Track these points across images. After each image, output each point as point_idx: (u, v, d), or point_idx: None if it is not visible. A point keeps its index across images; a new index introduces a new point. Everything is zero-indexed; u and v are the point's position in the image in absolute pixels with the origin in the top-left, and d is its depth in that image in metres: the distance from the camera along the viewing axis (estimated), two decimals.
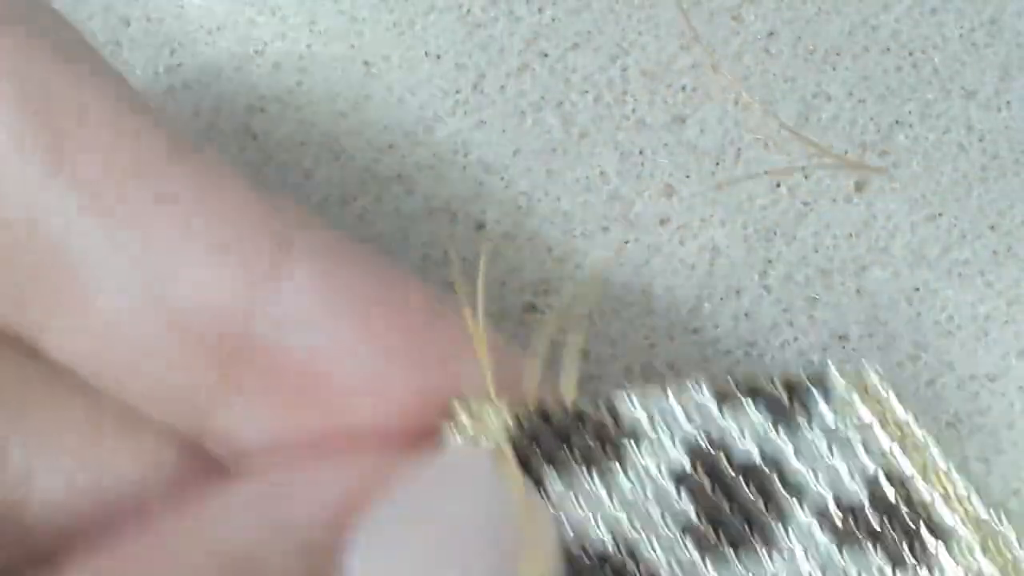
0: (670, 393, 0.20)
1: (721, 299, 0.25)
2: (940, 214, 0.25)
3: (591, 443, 0.21)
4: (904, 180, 0.25)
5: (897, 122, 0.25)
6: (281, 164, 0.25)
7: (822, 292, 0.25)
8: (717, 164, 0.25)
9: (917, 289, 0.26)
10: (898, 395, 0.20)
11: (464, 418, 0.21)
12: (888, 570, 0.20)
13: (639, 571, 0.21)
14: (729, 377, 0.21)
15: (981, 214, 0.25)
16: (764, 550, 0.21)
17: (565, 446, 0.21)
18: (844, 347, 0.26)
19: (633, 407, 0.21)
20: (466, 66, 0.25)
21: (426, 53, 0.25)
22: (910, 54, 0.25)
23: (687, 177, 0.25)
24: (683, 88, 0.25)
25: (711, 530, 0.21)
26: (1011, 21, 0.25)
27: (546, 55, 0.25)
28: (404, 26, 0.25)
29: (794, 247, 0.25)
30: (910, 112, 0.25)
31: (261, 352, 0.20)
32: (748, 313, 0.25)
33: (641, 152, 0.25)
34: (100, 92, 0.20)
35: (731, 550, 0.21)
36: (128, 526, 0.20)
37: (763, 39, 0.25)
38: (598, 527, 0.21)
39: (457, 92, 0.25)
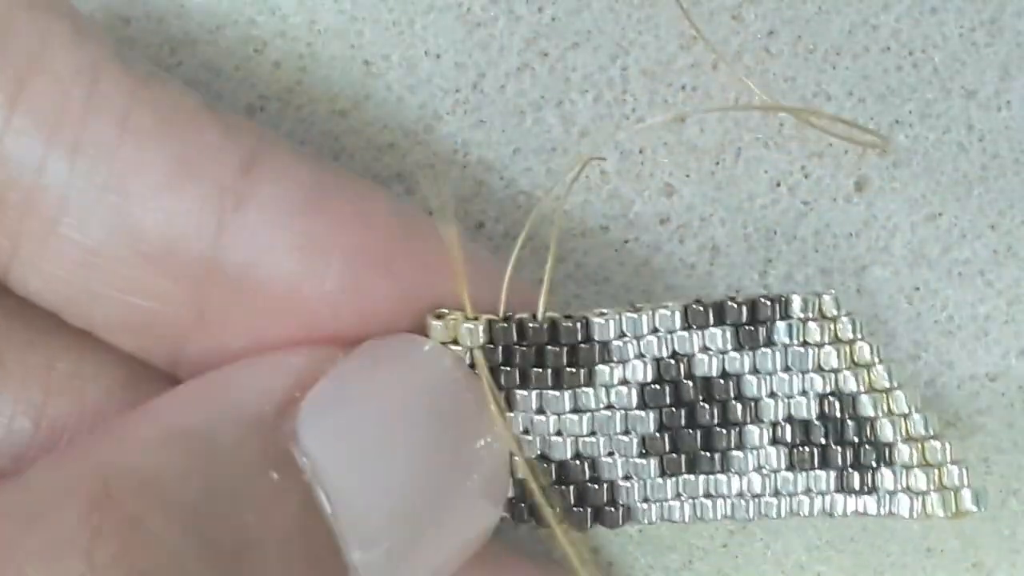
0: (640, 314, 0.21)
1: None
2: (940, 214, 0.25)
3: (563, 359, 0.21)
4: (904, 180, 0.25)
5: (897, 122, 0.25)
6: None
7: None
8: (717, 163, 0.25)
9: (917, 288, 0.26)
10: (849, 313, 0.21)
11: (438, 330, 0.21)
12: (832, 485, 0.21)
13: (599, 481, 0.22)
14: (696, 298, 0.21)
15: (981, 214, 0.25)
16: (718, 464, 0.22)
17: (536, 363, 0.21)
18: None
19: (604, 322, 0.21)
20: (466, 65, 0.25)
21: (426, 52, 0.25)
22: (910, 54, 0.25)
23: (687, 176, 0.25)
24: (683, 87, 0.25)
25: (669, 442, 0.22)
26: (1011, 21, 0.25)
27: (546, 54, 0.25)
28: (404, 25, 0.25)
29: (794, 246, 0.25)
30: (910, 112, 0.25)
31: (231, 276, 0.20)
32: None
33: (641, 151, 0.25)
34: (57, 26, 0.20)
35: (687, 464, 0.22)
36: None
37: (763, 38, 0.25)
38: (560, 435, 0.21)
39: (457, 91, 0.25)
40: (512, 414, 0.21)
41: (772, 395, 0.21)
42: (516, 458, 0.21)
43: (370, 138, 0.25)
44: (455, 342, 0.21)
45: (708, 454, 0.22)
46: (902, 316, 0.25)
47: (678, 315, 0.21)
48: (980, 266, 0.26)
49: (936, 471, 0.21)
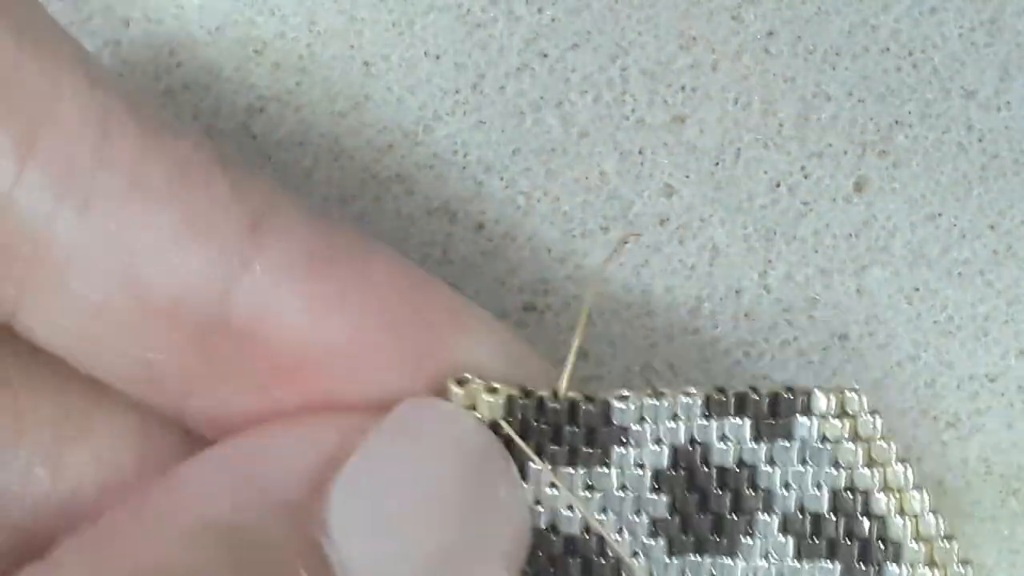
0: (662, 395, 0.21)
1: (721, 299, 0.25)
2: (940, 214, 0.25)
3: (580, 438, 0.21)
4: (904, 180, 0.25)
5: (897, 122, 0.25)
6: (280, 164, 0.25)
7: (822, 292, 0.25)
8: (717, 164, 0.25)
9: (917, 289, 0.26)
10: (872, 411, 0.21)
11: (458, 397, 0.21)
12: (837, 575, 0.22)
13: (605, 558, 0.22)
14: (718, 387, 0.21)
15: (981, 214, 0.25)
16: (727, 549, 0.22)
17: (554, 439, 0.21)
18: (844, 347, 0.26)
19: (623, 405, 0.21)
20: (465, 66, 0.25)
21: (425, 53, 0.25)
22: (910, 54, 0.25)
23: (687, 177, 0.25)
24: (683, 88, 0.25)
25: (680, 526, 0.22)
26: (1011, 21, 0.25)
27: (546, 55, 0.25)
28: (403, 26, 0.25)
29: (794, 247, 0.25)
30: (910, 112, 0.25)
31: (238, 333, 0.20)
32: (748, 313, 0.26)
33: (641, 152, 0.25)
34: (71, 75, 0.20)
35: (695, 546, 0.22)
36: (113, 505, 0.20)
37: (763, 39, 0.25)
38: (571, 510, 0.21)
39: (456, 92, 0.25)
40: (526, 485, 0.21)
41: (787, 486, 0.21)
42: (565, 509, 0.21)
43: (370, 139, 0.25)
44: (472, 410, 0.21)
45: (717, 538, 0.22)
46: (902, 316, 0.25)
47: (699, 403, 0.21)
48: (980, 266, 0.26)
49: (943, 570, 0.22)
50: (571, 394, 0.21)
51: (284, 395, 0.21)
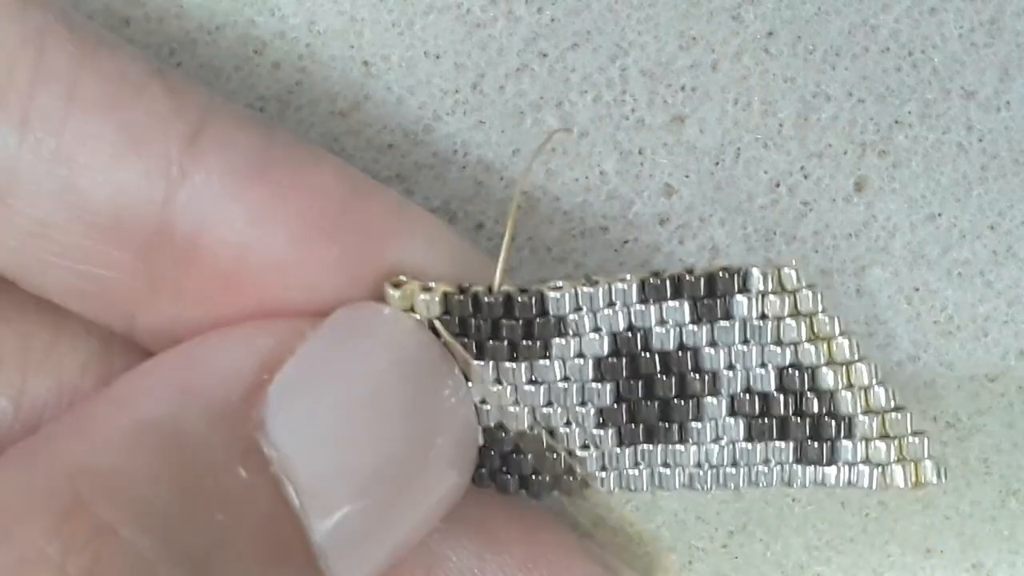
0: (596, 283, 0.21)
1: None
2: (940, 214, 0.25)
3: (518, 331, 0.21)
4: (904, 180, 0.25)
5: (897, 122, 0.25)
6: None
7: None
8: (716, 164, 0.25)
9: (917, 289, 0.26)
10: (810, 285, 0.21)
11: (395, 299, 0.21)
12: (792, 456, 0.21)
13: (555, 451, 0.22)
14: (653, 272, 0.21)
15: (981, 214, 0.25)
16: (677, 435, 0.22)
17: (492, 334, 0.21)
18: None
19: (560, 296, 0.21)
20: (465, 66, 0.25)
21: (425, 53, 0.25)
22: (910, 54, 0.25)
23: (687, 177, 0.25)
24: (683, 88, 0.25)
25: (627, 413, 0.22)
26: (1011, 21, 0.25)
27: (545, 55, 0.25)
28: (403, 26, 0.25)
29: (794, 247, 0.25)
30: (910, 112, 0.25)
31: (180, 245, 0.20)
32: None
33: (640, 152, 0.25)
34: (14, 2, 0.20)
35: (645, 434, 0.22)
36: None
37: (762, 39, 0.25)
38: (517, 405, 0.22)
39: (456, 92, 0.25)
40: (469, 384, 0.21)
41: (731, 367, 0.21)
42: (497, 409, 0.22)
43: (370, 139, 0.25)
44: (411, 311, 0.21)
45: (666, 425, 0.22)
46: (902, 316, 0.25)
47: (635, 288, 0.21)
48: (980, 266, 0.26)
49: (897, 442, 0.21)
50: (505, 287, 0.21)
51: (230, 307, 0.21)
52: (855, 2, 0.25)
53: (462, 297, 0.21)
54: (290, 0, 0.25)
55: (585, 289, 0.21)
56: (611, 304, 0.21)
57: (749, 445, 0.21)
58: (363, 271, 0.21)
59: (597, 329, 0.21)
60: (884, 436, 0.21)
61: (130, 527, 0.18)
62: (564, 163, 0.25)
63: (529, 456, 0.22)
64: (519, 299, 0.21)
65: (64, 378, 0.21)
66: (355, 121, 0.25)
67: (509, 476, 0.22)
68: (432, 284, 0.21)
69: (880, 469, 0.21)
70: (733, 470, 0.22)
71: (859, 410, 0.21)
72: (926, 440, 0.21)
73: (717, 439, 0.22)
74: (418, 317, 0.21)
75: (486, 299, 0.21)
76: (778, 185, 0.25)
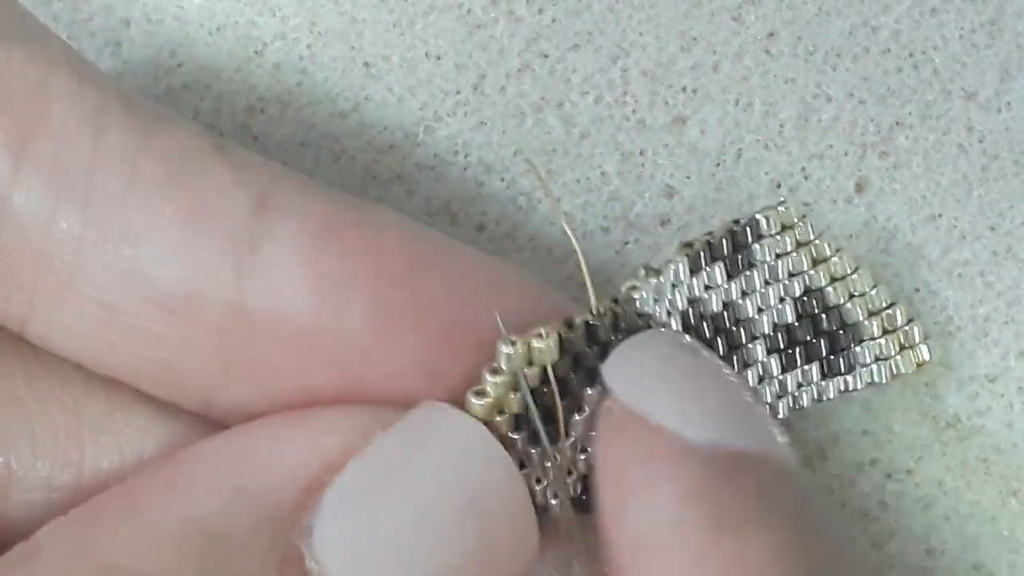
0: (658, 271, 0.23)
1: None
2: (940, 215, 0.25)
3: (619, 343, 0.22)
4: (904, 181, 0.25)
5: (897, 123, 0.25)
6: (281, 165, 0.25)
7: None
8: (718, 165, 0.25)
9: (917, 290, 0.26)
10: (802, 215, 0.23)
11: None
12: (818, 375, 0.23)
13: None
14: (686, 243, 0.23)
15: (981, 215, 0.25)
16: None
17: (602, 357, 0.22)
18: None
19: (640, 294, 0.22)
20: (466, 67, 0.25)
21: (426, 54, 0.25)
22: (910, 55, 0.25)
23: (688, 178, 0.25)
24: (683, 89, 0.25)
25: None
26: (1011, 22, 0.25)
27: (546, 56, 0.25)
28: (404, 27, 0.25)
29: None
30: (910, 113, 0.25)
31: (255, 319, 0.20)
32: None
33: (642, 153, 0.25)
34: (61, 75, 0.20)
35: None
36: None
37: (763, 40, 0.25)
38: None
39: (457, 93, 0.25)
40: (579, 416, 0.22)
41: (760, 310, 0.23)
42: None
43: (370, 139, 0.25)
44: (530, 363, 0.21)
45: None
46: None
47: (683, 267, 0.23)
48: (980, 267, 0.26)
49: (897, 334, 0.24)
50: (608, 305, 0.22)
51: (306, 382, 0.20)
52: (856, 3, 0.25)
53: (571, 333, 0.21)
54: (291, 1, 0.25)
55: (654, 280, 0.22)
56: (673, 287, 0.23)
57: (783, 376, 0.23)
58: (445, 329, 0.21)
59: (669, 313, 0.23)
60: (885, 332, 0.23)
61: None
62: (565, 164, 0.25)
63: None
64: (619, 311, 0.22)
65: (124, 445, 0.21)
66: (356, 122, 0.25)
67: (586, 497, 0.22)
68: (541, 330, 0.21)
69: (888, 362, 0.24)
70: (778, 403, 0.23)
71: (861, 316, 0.23)
72: (918, 326, 0.24)
73: (760, 380, 0.23)
74: (530, 371, 0.21)
75: (596, 323, 0.22)
76: (779, 186, 0.25)
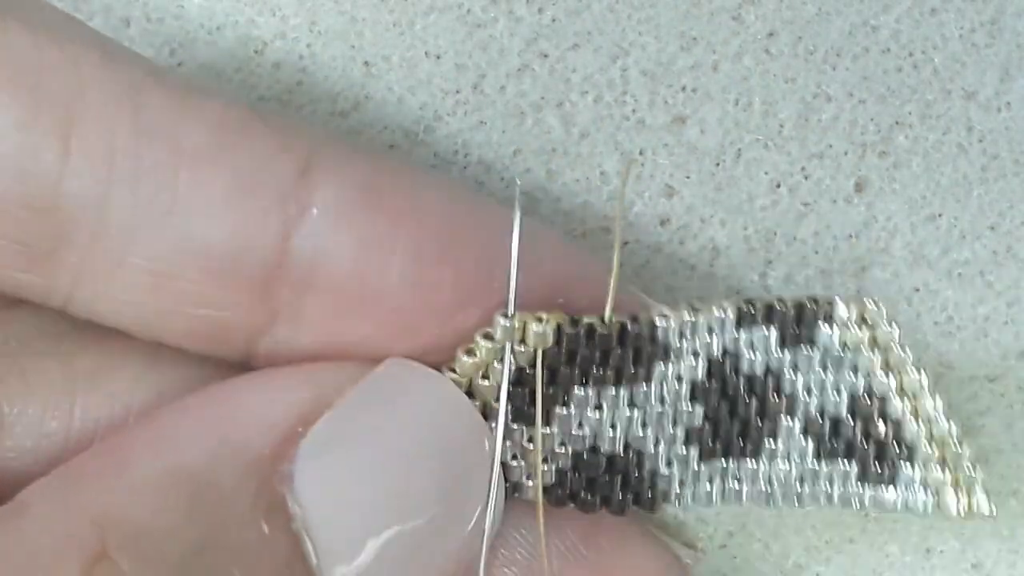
0: (697, 314, 0.22)
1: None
2: (940, 215, 0.26)
3: (627, 360, 0.22)
4: (904, 181, 0.25)
5: (897, 123, 0.25)
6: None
7: (822, 292, 0.25)
8: (717, 165, 0.25)
9: (917, 290, 0.26)
10: (891, 320, 0.22)
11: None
12: (856, 478, 0.22)
13: (640, 471, 0.22)
14: (747, 300, 0.22)
15: (981, 215, 0.25)
16: (751, 452, 0.23)
17: (601, 363, 0.22)
18: None
19: (667, 325, 0.22)
20: (466, 66, 0.25)
21: (426, 53, 0.25)
22: (910, 55, 0.25)
23: (687, 178, 0.25)
24: (683, 88, 0.25)
25: (711, 433, 0.23)
26: (1011, 22, 0.25)
27: (546, 55, 0.25)
28: (404, 26, 0.25)
29: (794, 248, 0.25)
30: (910, 113, 0.25)
31: (299, 277, 0.21)
32: None
33: (641, 152, 0.25)
34: (92, 58, 0.20)
35: (723, 451, 0.23)
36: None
37: (763, 39, 0.25)
38: (613, 428, 0.22)
39: (457, 92, 0.25)
40: (566, 411, 0.22)
41: (808, 391, 0.22)
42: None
43: (370, 139, 0.25)
44: (523, 340, 0.22)
45: (743, 443, 0.23)
46: (902, 317, 0.26)
47: (731, 316, 0.22)
48: (980, 267, 0.26)
49: (954, 474, 0.22)
50: (619, 317, 0.22)
51: (347, 331, 0.21)
52: (856, 3, 0.25)
53: (575, 329, 0.22)
54: (291, 0, 0.25)
55: (688, 318, 0.22)
56: (710, 331, 0.22)
57: (817, 465, 0.22)
58: (477, 291, 0.21)
59: (695, 354, 0.22)
60: (944, 464, 0.22)
61: None
62: (565, 163, 0.25)
63: (618, 478, 0.22)
64: (631, 329, 0.22)
65: (116, 394, 0.21)
66: (356, 121, 0.25)
67: (590, 496, 0.22)
68: (543, 315, 0.22)
69: (935, 497, 0.22)
70: (800, 487, 0.23)
71: (923, 439, 0.22)
72: (980, 473, 0.22)
73: (788, 457, 0.22)
74: (522, 349, 0.22)
75: (599, 330, 0.22)
76: (779, 186, 0.25)
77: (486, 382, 0.22)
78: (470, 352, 0.22)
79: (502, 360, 0.22)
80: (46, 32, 0.20)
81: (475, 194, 0.22)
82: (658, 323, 0.22)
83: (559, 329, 0.22)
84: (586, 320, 0.22)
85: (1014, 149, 0.25)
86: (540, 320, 0.22)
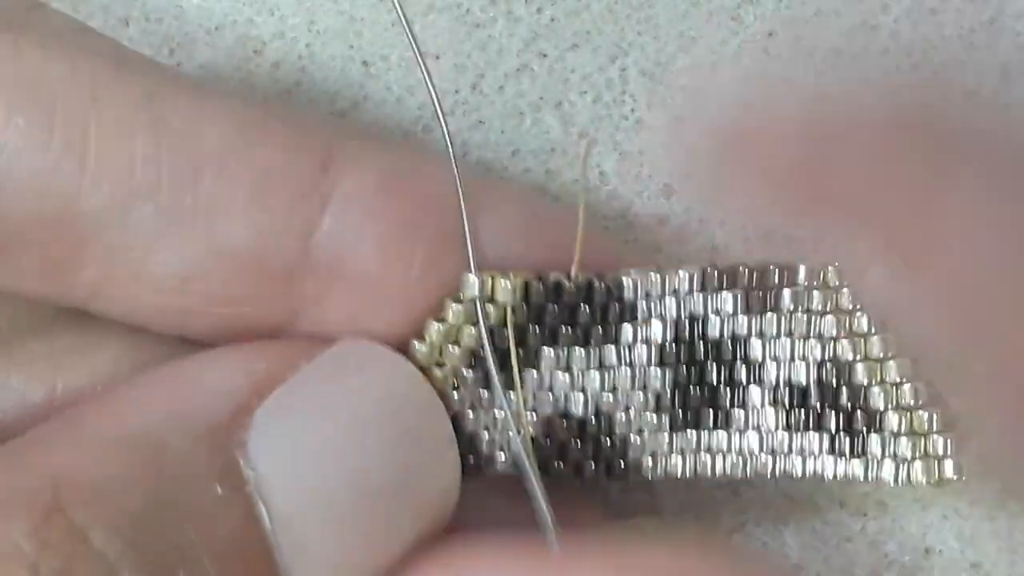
0: (661, 275, 0.22)
1: None
2: None
3: (595, 319, 0.22)
4: None
5: None
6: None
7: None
8: None
9: None
10: (850, 289, 0.22)
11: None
12: (824, 447, 0.22)
13: (612, 438, 0.22)
14: (712, 264, 0.22)
15: None
16: (719, 421, 0.22)
17: (568, 324, 0.22)
18: None
19: (631, 283, 0.22)
20: (465, 66, 0.25)
21: (425, 53, 0.25)
22: (909, 55, 0.25)
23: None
24: (682, 89, 0.25)
25: (678, 399, 0.22)
26: (1010, 22, 0.25)
27: (545, 55, 0.25)
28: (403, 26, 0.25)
29: (793, 248, 0.25)
30: None
31: (323, 271, 0.21)
32: None
33: (640, 152, 0.25)
34: (106, 70, 0.20)
35: (692, 419, 0.23)
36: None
37: (762, 40, 0.25)
38: (581, 393, 0.22)
39: (456, 92, 0.25)
40: (536, 372, 0.22)
41: (774, 358, 0.22)
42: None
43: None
44: (491, 299, 0.22)
45: (711, 411, 0.22)
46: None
47: (694, 278, 0.22)
48: None
49: (922, 440, 0.22)
50: (583, 276, 0.22)
51: (370, 324, 0.21)
52: (855, 3, 0.25)
53: (542, 286, 0.22)
54: (289, 0, 0.25)
55: (653, 276, 0.22)
56: (673, 292, 0.22)
57: (785, 435, 0.22)
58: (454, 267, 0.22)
59: (660, 316, 0.22)
60: (911, 433, 0.22)
61: (102, 534, 0.18)
62: (563, 163, 0.25)
63: (589, 446, 0.22)
64: (598, 285, 0.22)
65: (96, 370, 0.22)
66: (354, 121, 0.25)
67: (562, 465, 0.22)
68: (511, 273, 0.22)
69: (904, 465, 0.22)
70: (768, 459, 0.22)
71: (889, 406, 0.22)
72: (950, 440, 0.22)
73: (757, 428, 0.22)
74: (493, 305, 0.22)
75: (567, 284, 0.22)
76: None
77: (456, 349, 0.22)
78: (440, 320, 0.22)
79: (470, 323, 0.22)
80: (58, 47, 0.20)
81: (493, 179, 0.23)
82: (624, 282, 0.22)
83: (526, 287, 0.22)
84: (552, 277, 0.22)
85: None
86: (508, 276, 0.22)
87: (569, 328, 0.22)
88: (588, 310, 0.22)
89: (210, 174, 0.20)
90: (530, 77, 0.25)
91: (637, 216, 0.25)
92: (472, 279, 0.22)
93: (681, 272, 0.22)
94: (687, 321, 0.22)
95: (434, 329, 0.22)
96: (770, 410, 0.22)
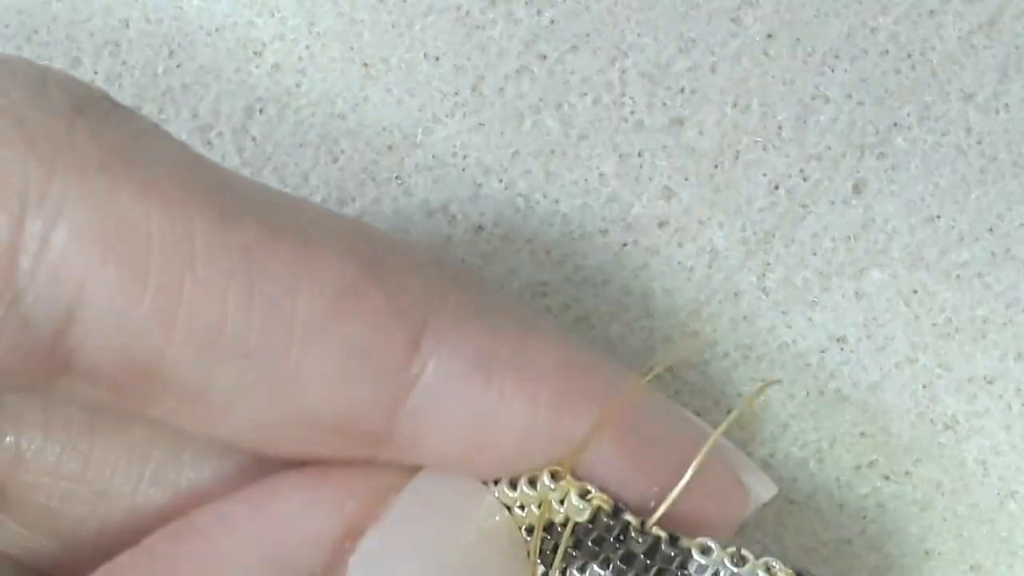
0: (744, 561, 0.21)
1: (719, 302, 0.25)
2: (938, 216, 0.25)
3: (647, 570, 0.21)
4: (902, 182, 0.25)
5: (895, 124, 0.25)
6: (279, 166, 0.25)
7: (820, 295, 0.25)
8: (715, 166, 0.25)
9: (915, 291, 0.26)
10: None
11: (547, 489, 0.21)
12: None
13: None
14: (797, 569, 0.21)
15: (979, 216, 0.25)
16: None
17: (624, 559, 0.21)
18: (842, 349, 0.26)
19: (704, 560, 0.21)
20: (465, 68, 0.25)
21: (425, 55, 0.25)
22: (908, 56, 0.25)
23: (685, 179, 0.25)
24: (681, 90, 0.25)
25: None
26: (1010, 23, 0.25)
27: (545, 57, 0.25)
28: (403, 28, 0.25)
29: (792, 249, 0.25)
30: (908, 114, 0.25)
31: (403, 444, 0.21)
32: (746, 316, 0.26)
33: (640, 154, 0.25)
34: (203, 218, 0.19)
35: None
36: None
37: (761, 41, 0.25)
38: None
39: (456, 94, 0.25)
40: None
41: None
42: None
43: (369, 141, 0.25)
44: (562, 502, 0.21)
45: None
46: (900, 319, 0.26)
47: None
48: (978, 268, 0.26)
49: None
50: (656, 530, 0.21)
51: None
52: (854, 4, 0.25)
53: (612, 520, 0.21)
54: (290, 2, 0.25)
55: (729, 566, 0.21)
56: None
57: None
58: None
59: None
60: None
61: None
62: (563, 165, 0.25)
63: None
64: (665, 550, 0.21)
65: (181, 488, 0.21)
66: (354, 123, 0.25)
67: None
68: (591, 489, 0.21)
69: None
70: None
71: None
72: None
73: None
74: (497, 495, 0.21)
75: (633, 536, 0.21)
76: (777, 187, 0.25)
77: (521, 512, 0.21)
78: (513, 485, 0.21)
79: (541, 505, 0.21)
80: (158, 192, 0.19)
81: (588, 351, 0.22)
82: (695, 556, 0.21)
83: (597, 512, 0.21)
84: (625, 518, 0.21)
85: (1012, 151, 0.25)
86: (589, 493, 0.21)
87: (624, 564, 0.21)
88: (646, 565, 0.21)
89: (300, 346, 0.19)
90: (530, 79, 0.25)
91: (636, 218, 0.25)
92: (510, 493, 0.21)
93: (763, 573, 0.21)
94: None
95: (506, 495, 0.21)
96: None
